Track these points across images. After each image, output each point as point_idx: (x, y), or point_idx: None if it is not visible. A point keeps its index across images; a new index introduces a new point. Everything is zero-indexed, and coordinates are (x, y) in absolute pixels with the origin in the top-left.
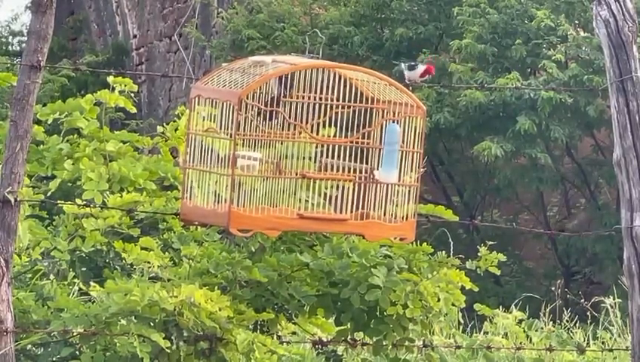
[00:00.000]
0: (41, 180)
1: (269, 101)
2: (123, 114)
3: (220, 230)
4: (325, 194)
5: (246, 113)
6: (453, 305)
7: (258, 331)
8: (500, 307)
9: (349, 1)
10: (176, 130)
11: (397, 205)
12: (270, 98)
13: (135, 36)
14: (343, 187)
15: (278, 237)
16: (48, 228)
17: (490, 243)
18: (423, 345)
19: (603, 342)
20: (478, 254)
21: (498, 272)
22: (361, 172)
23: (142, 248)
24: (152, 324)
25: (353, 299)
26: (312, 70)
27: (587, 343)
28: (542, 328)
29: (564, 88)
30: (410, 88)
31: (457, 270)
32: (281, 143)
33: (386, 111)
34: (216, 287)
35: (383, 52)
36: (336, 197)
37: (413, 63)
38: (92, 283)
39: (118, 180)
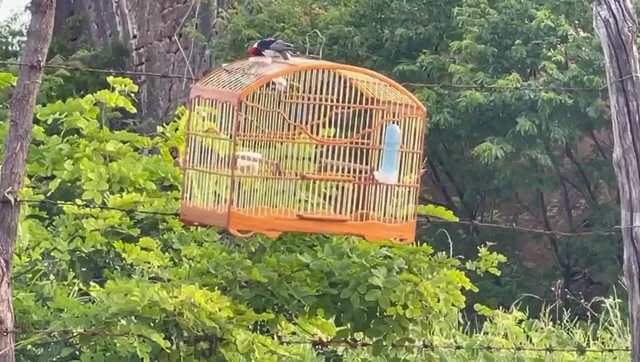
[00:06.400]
0: (41, 180)
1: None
2: (122, 114)
3: (220, 230)
4: (325, 194)
5: (246, 114)
6: (453, 305)
7: (258, 331)
8: (500, 307)
9: (349, 1)
10: (176, 130)
11: (397, 206)
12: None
13: (135, 36)
14: (343, 188)
15: (278, 237)
16: (48, 228)
17: (490, 243)
18: (423, 345)
19: (603, 342)
20: (478, 254)
21: (498, 273)
22: (360, 172)
23: (142, 248)
24: (152, 324)
25: (353, 300)
26: (312, 70)
27: (587, 343)
28: (542, 328)
29: (564, 89)
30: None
31: (457, 270)
32: (281, 144)
33: (385, 112)
34: (216, 288)
35: (383, 52)
36: (336, 197)
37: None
38: (92, 284)
39: (118, 180)
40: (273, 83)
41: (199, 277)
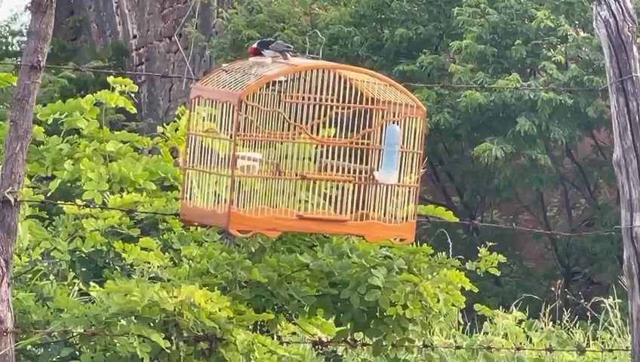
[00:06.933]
0: (41, 180)
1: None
2: (123, 115)
3: (220, 230)
4: (325, 194)
5: (246, 114)
6: (453, 305)
7: (258, 331)
8: (500, 307)
9: (349, 1)
10: (176, 130)
11: (397, 206)
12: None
13: (135, 36)
14: (343, 188)
15: (278, 237)
16: (48, 228)
17: (490, 243)
18: (423, 345)
19: (603, 342)
20: (478, 255)
21: (498, 273)
22: (361, 173)
23: (142, 248)
24: (152, 324)
25: (353, 300)
26: (312, 70)
27: (587, 343)
28: (542, 328)
29: (564, 89)
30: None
31: (457, 271)
32: (281, 144)
33: (386, 112)
34: (216, 288)
35: (383, 52)
36: (336, 197)
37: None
38: (92, 284)
39: (118, 180)
40: (273, 83)
41: (199, 277)
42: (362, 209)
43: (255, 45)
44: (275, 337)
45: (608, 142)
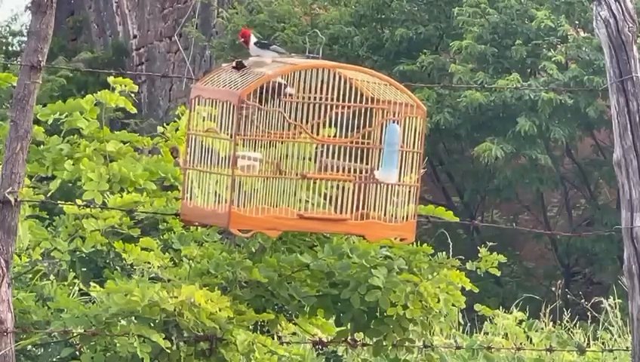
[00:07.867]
0: (41, 180)
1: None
2: (123, 114)
3: (221, 230)
4: (325, 194)
5: (246, 113)
6: (453, 305)
7: (258, 331)
8: (500, 307)
9: (349, 2)
10: (176, 130)
11: (397, 205)
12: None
13: (135, 36)
14: (343, 187)
15: (278, 237)
16: (48, 228)
17: (491, 243)
18: (423, 345)
19: (603, 343)
20: (479, 255)
21: (498, 273)
22: (361, 172)
23: (142, 248)
24: (152, 325)
25: (353, 300)
26: (312, 70)
27: (587, 343)
28: (542, 328)
29: (565, 89)
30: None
31: (457, 271)
32: (282, 143)
33: (386, 112)
34: (216, 288)
35: (383, 52)
36: (337, 197)
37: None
38: (92, 284)
39: (119, 180)
40: (286, 95)
41: (199, 277)
42: (362, 208)
43: (254, 42)
44: (276, 337)
45: (608, 142)
